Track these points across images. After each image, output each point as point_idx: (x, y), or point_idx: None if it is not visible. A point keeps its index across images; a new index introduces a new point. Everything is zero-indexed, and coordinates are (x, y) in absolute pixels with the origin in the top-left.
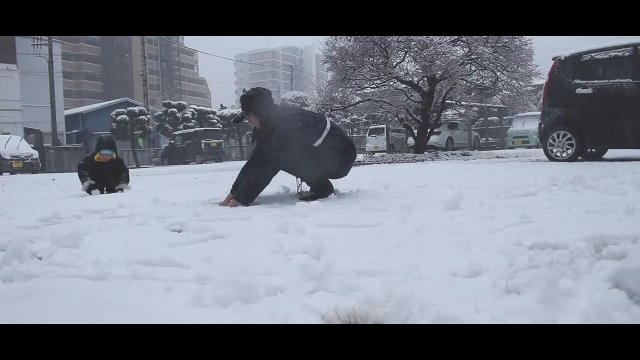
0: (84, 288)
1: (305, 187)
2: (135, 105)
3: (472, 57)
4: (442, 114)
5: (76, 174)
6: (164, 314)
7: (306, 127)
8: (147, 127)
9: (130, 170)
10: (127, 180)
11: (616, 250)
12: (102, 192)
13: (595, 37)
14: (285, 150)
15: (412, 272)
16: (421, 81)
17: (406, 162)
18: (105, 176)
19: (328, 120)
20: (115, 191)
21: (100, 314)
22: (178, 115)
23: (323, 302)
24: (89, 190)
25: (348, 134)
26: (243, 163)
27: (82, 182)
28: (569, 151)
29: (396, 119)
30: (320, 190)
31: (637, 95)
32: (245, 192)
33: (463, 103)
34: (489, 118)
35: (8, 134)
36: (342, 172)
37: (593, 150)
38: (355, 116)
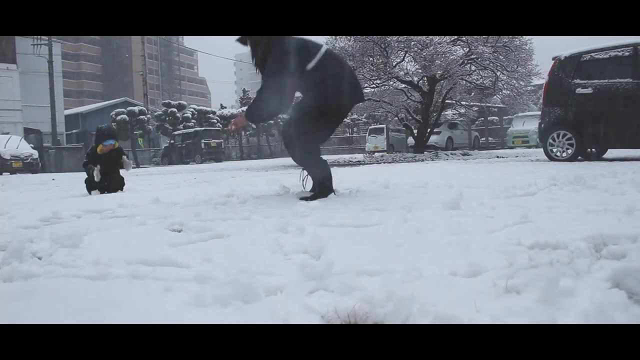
0: (84, 288)
1: (308, 185)
2: (135, 105)
3: (472, 57)
4: (442, 113)
5: (76, 173)
6: (164, 313)
7: (299, 50)
8: (147, 127)
9: (130, 171)
10: (127, 165)
11: (616, 250)
12: (102, 192)
13: (595, 37)
14: (280, 78)
15: (412, 272)
16: (421, 81)
17: (406, 162)
18: (108, 171)
19: (324, 45)
20: (117, 190)
21: (100, 314)
22: (178, 115)
23: (323, 302)
24: (89, 191)
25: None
26: (243, 163)
27: (88, 172)
28: (569, 151)
29: (396, 118)
30: (321, 190)
31: (637, 95)
32: (251, 108)
33: (463, 103)
34: (489, 118)
35: (8, 133)
36: (345, 103)
37: (593, 150)
38: (355, 116)
